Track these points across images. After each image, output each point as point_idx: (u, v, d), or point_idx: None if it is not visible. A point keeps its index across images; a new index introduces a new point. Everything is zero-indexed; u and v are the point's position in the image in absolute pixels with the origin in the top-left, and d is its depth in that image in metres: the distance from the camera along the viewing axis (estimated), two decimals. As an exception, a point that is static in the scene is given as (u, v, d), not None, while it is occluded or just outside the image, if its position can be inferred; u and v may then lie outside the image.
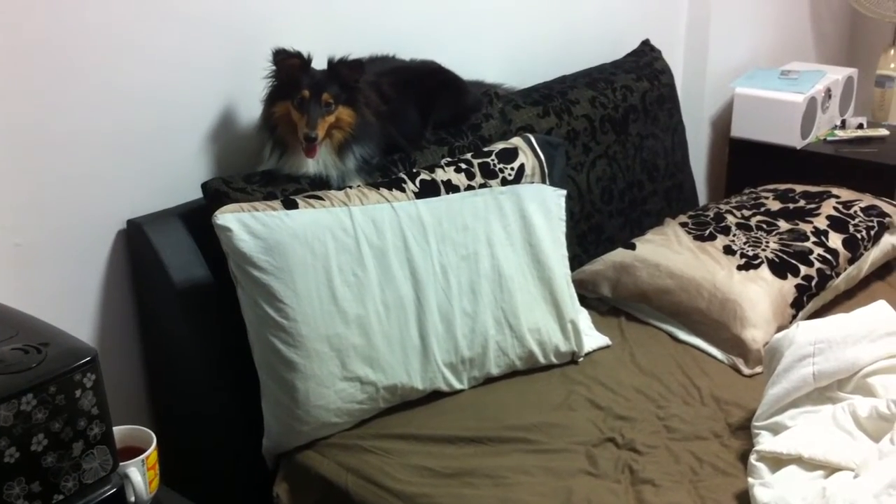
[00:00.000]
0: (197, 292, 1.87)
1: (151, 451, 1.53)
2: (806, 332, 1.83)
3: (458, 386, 1.99)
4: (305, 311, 1.81)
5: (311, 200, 1.90)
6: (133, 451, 1.53)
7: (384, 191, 1.99)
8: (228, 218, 1.79)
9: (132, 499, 1.47)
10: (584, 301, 2.30)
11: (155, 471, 1.55)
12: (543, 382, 2.06)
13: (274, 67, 1.92)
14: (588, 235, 2.55)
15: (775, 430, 1.76)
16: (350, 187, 1.97)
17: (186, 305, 1.87)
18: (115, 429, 1.39)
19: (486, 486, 1.72)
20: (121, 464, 1.44)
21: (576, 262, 2.36)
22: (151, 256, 1.85)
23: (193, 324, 1.89)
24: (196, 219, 1.89)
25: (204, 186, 1.90)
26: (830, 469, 1.62)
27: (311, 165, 1.96)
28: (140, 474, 1.50)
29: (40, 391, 1.26)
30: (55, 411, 1.27)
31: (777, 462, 1.67)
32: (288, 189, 1.94)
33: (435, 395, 1.97)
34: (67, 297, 1.82)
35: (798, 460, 1.65)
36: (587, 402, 1.98)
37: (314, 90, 1.91)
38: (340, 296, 1.84)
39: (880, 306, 1.89)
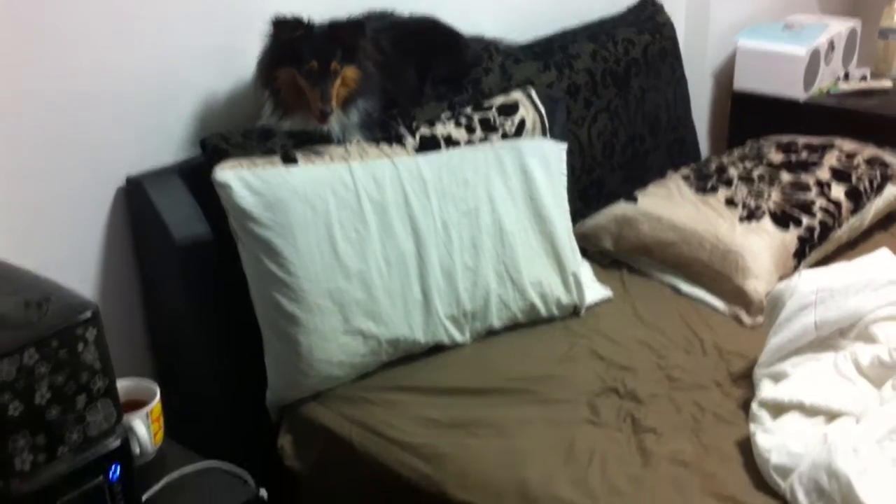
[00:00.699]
0: (197, 249, 1.87)
1: (155, 403, 1.55)
2: (808, 281, 1.83)
3: (460, 339, 2.00)
4: (307, 266, 1.81)
5: (311, 156, 1.89)
6: (137, 405, 1.54)
7: (384, 146, 1.99)
8: (228, 174, 1.79)
9: (137, 451, 1.49)
10: (585, 255, 2.30)
11: (159, 423, 1.56)
12: (545, 335, 2.06)
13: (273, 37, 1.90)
14: (589, 190, 2.55)
15: (777, 378, 1.76)
16: (350, 142, 1.96)
17: (187, 262, 1.87)
18: (119, 382, 1.40)
19: (489, 436, 1.73)
20: (125, 416, 1.45)
21: (577, 216, 2.35)
22: (151, 213, 1.85)
23: (194, 280, 1.89)
24: (195, 176, 1.88)
25: (202, 143, 1.89)
26: (832, 416, 1.63)
27: (316, 123, 1.95)
28: (144, 427, 1.51)
29: (42, 345, 1.26)
30: (58, 365, 1.28)
31: (778, 409, 1.68)
32: (287, 145, 1.93)
33: (437, 349, 1.98)
34: (68, 254, 1.82)
35: (799, 407, 1.66)
36: (589, 354, 1.99)
37: (321, 59, 1.88)
38: (342, 251, 1.85)
39: (883, 255, 1.89)
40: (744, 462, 1.65)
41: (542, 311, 2.09)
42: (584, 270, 2.23)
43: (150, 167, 1.90)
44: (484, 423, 1.77)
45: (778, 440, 1.61)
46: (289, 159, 1.87)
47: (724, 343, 2.01)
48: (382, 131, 2.04)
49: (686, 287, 2.24)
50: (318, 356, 1.83)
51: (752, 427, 1.67)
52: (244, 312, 1.85)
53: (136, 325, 1.99)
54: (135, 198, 1.88)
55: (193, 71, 1.95)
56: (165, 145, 1.93)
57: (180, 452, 1.60)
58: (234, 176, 1.78)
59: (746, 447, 1.66)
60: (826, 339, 1.78)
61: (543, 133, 2.20)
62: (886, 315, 1.77)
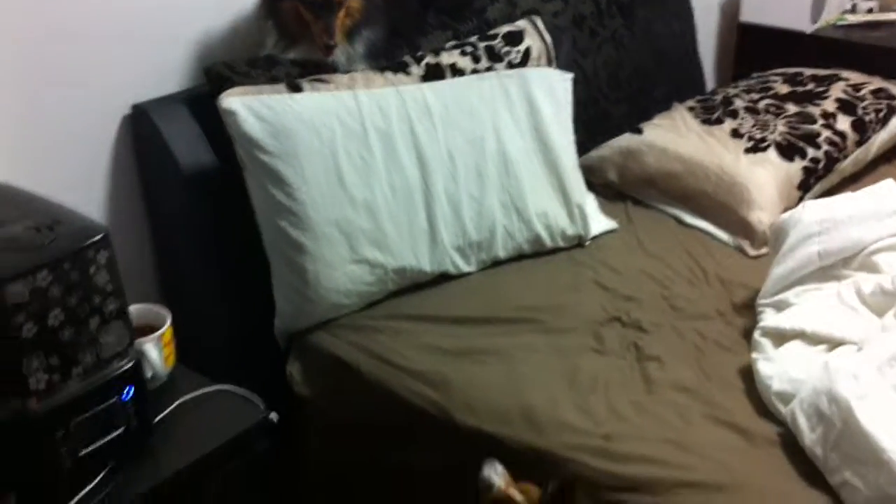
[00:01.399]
0: (204, 177, 1.87)
1: (166, 328, 1.56)
2: (812, 211, 1.84)
3: (465, 269, 2.01)
4: (313, 194, 1.81)
5: (317, 84, 1.88)
6: (149, 330, 1.56)
7: (389, 75, 1.98)
8: (233, 102, 1.79)
9: (149, 374, 1.51)
10: (590, 187, 2.30)
11: (171, 348, 1.59)
12: (550, 265, 2.08)
13: None
14: (594, 122, 2.53)
15: (779, 307, 1.78)
16: (355, 71, 1.95)
17: (194, 190, 1.88)
18: (131, 307, 1.42)
19: (495, 364, 1.76)
20: (137, 340, 1.46)
21: (582, 148, 2.34)
22: (158, 141, 1.85)
23: (201, 209, 1.90)
24: (201, 104, 1.88)
25: (207, 71, 1.88)
26: (833, 344, 1.65)
27: (321, 54, 1.94)
28: (156, 350, 1.53)
29: (55, 267, 1.27)
30: (70, 287, 1.29)
31: (780, 338, 1.70)
32: (292, 73, 1.93)
33: (443, 278, 1.99)
34: (75, 182, 1.82)
35: (801, 336, 1.68)
36: (594, 284, 2.00)
37: None
38: (348, 180, 1.85)
39: (888, 185, 1.89)
40: (745, 389, 1.67)
41: (548, 241, 2.09)
42: (589, 202, 2.23)
43: (156, 95, 1.90)
44: (490, 351, 1.79)
45: (779, 367, 1.63)
46: (294, 88, 1.86)
47: (727, 274, 2.03)
48: (387, 60, 2.03)
49: (690, 219, 2.25)
50: (326, 284, 1.85)
51: (754, 355, 1.70)
52: (252, 241, 1.86)
53: (144, 252, 2.00)
54: (141, 125, 1.88)
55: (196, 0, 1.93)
56: (171, 74, 1.93)
57: (191, 377, 1.62)
58: (241, 103, 1.78)
59: (748, 375, 1.69)
60: (829, 269, 1.79)
61: (549, 63, 2.19)
62: (889, 245, 1.78)
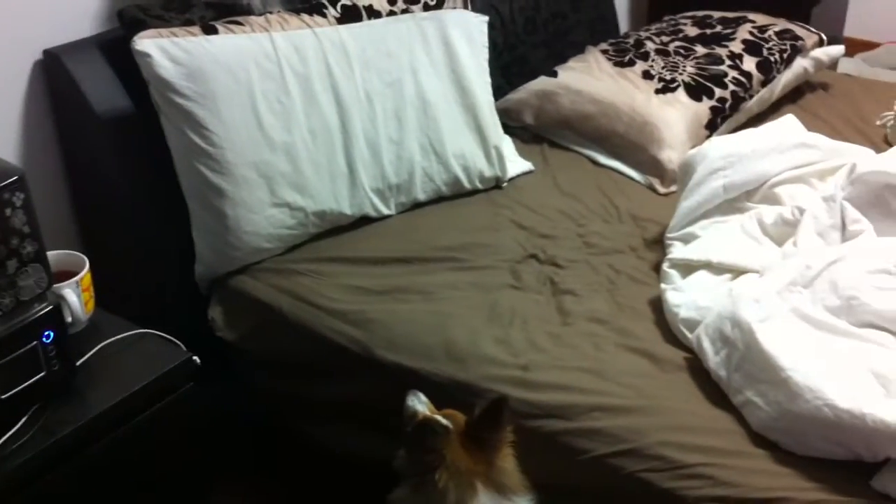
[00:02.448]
0: (119, 122, 1.85)
1: (85, 273, 1.56)
2: (717, 146, 1.91)
3: (385, 211, 2.04)
4: (231, 137, 1.81)
5: (232, 26, 1.87)
6: (68, 276, 1.55)
7: (305, 16, 1.97)
8: (147, 44, 1.77)
9: (69, 319, 1.50)
10: (507, 130, 2.34)
11: (90, 293, 1.58)
12: (469, 206, 2.12)
13: None
14: (512, 66, 2.56)
15: (686, 240, 1.85)
16: (271, 13, 1.94)
17: (110, 135, 1.86)
18: (49, 253, 1.41)
19: (417, 301, 1.80)
20: (55, 285, 1.46)
21: (500, 93, 2.38)
22: (71, 87, 1.82)
23: (118, 154, 1.89)
24: (115, 48, 1.85)
25: (120, 14, 1.85)
26: (737, 272, 1.73)
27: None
28: (75, 295, 1.53)
29: (-31, 210, 1.26)
30: (-14, 230, 1.28)
31: (688, 268, 1.78)
32: (207, 16, 1.91)
33: (364, 221, 2.02)
34: (-13, 128, 1.80)
35: (707, 266, 1.76)
36: (511, 223, 2.05)
37: None
38: (266, 123, 1.85)
39: (788, 120, 1.98)
40: (655, 319, 1.75)
41: (466, 183, 2.13)
42: (507, 144, 2.27)
43: (67, 40, 1.86)
44: (410, 290, 1.83)
45: (687, 297, 1.70)
46: (209, 30, 1.85)
47: (639, 211, 2.10)
48: (303, 2, 2.02)
49: (604, 159, 2.30)
50: (246, 228, 1.86)
51: (663, 286, 1.77)
52: (170, 186, 1.86)
53: (60, 198, 1.97)
54: (53, 71, 1.85)
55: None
56: (83, 18, 1.90)
57: (113, 321, 1.62)
58: (154, 45, 1.76)
59: (658, 305, 1.76)
60: (733, 202, 1.87)
61: (465, 5, 2.20)
62: (790, 177, 1.87)
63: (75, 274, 1.56)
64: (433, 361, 1.67)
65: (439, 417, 1.46)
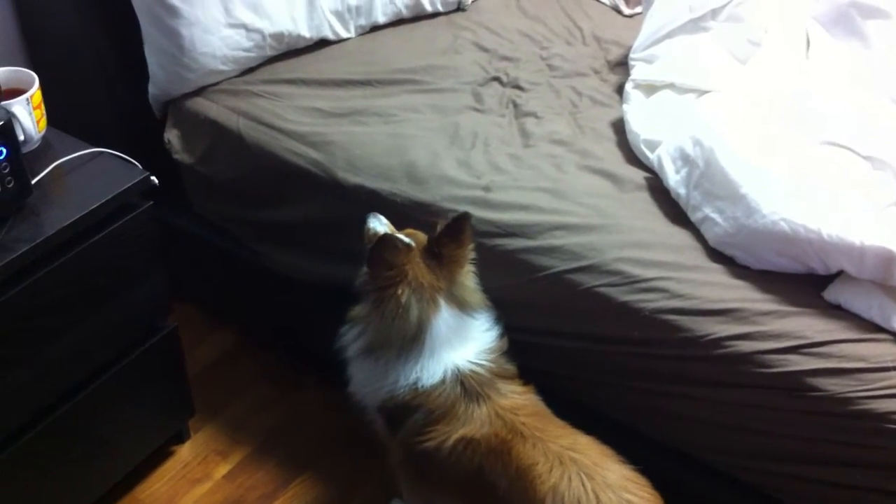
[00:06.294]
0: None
1: (35, 90, 1.51)
2: (686, -35, 1.86)
3: (344, 34, 1.99)
4: (182, -49, 1.74)
5: None
6: (18, 93, 1.50)
7: None
8: None
9: (21, 137, 1.47)
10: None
11: (41, 111, 1.54)
12: (430, 29, 2.07)
13: None
14: None
15: (650, 60, 1.83)
16: None
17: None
18: (-5, 67, 1.36)
19: (376, 124, 1.78)
20: (4, 102, 1.42)
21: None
22: None
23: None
24: None
25: None
26: (700, 92, 1.72)
27: None
28: (26, 112, 1.48)
29: None
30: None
31: (651, 89, 1.77)
32: None
33: (322, 44, 1.97)
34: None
35: (671, 86, 1.75)
36: (473, 46, 2.01)
37: None
38: (219, -64, 1.77)
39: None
40: (617, 140, 1.75)
41: (427, 6, 2.08)
42: (469, -35, 2.20)
43: None
44: (371, 112, 1.80)
45: (649, 117, 1.70)
46: None
47: (602, 32, 2.06)
48: None
49: (568, -20, 2.24)
50: (201, 49, 1.80)
51: (625, 107, 1.76)
52: (122, 4, 1.78)
53: (6, 14, 1.89)
54: None
55: None
56: None
57: (67, 140, 1.58)
58: None
59: (620, 127, 1.76)
60: (698, 21, 1.83)
61: None
62: (757, -5, 1.83)
63: (25, 92, 1.52)
64: (394, 183, 1.66)
65: (401, 235, 1.46)
